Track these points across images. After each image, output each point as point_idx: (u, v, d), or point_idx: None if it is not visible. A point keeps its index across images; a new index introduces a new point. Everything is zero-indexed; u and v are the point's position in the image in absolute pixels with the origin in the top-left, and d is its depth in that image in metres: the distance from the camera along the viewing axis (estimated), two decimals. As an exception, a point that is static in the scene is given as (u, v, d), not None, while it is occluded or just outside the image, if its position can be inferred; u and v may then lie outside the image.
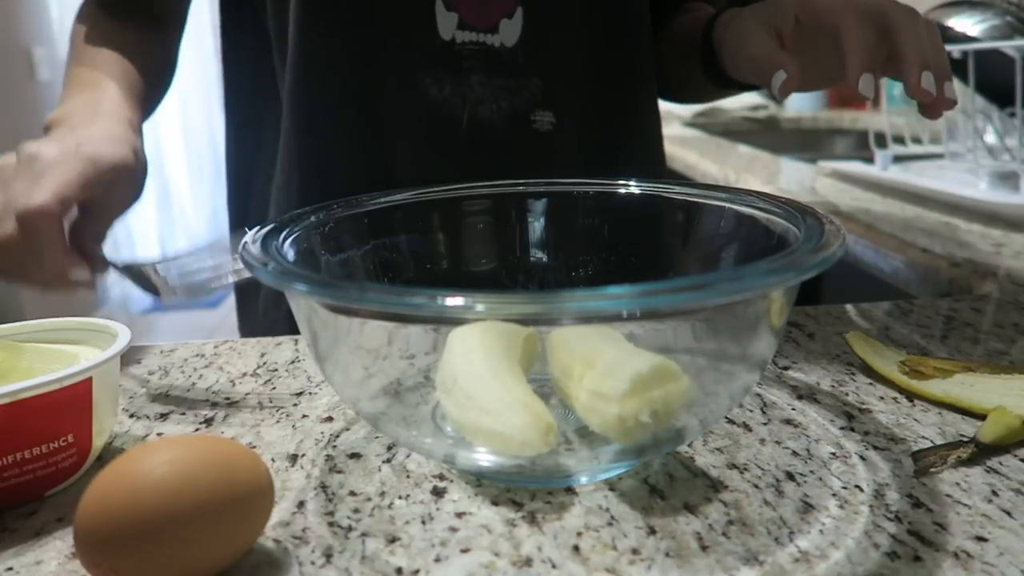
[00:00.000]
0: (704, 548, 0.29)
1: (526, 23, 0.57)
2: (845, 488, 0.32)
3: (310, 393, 0.43)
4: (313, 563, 0.28)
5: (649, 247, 0.45)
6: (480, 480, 0.33)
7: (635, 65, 0.64)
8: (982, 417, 0.37)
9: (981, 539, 0.29)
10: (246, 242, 0.32)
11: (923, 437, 0.36)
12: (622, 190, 0.44)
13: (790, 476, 0.33)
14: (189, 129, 3.62)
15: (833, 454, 0.35)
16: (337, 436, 0.38)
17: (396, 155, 0.57)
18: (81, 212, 0.47)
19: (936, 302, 0.57)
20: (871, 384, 0.43)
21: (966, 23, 0.88)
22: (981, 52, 0.83)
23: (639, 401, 0.29)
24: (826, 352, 0.47)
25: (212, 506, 0.26)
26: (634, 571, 0.27)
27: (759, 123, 1.96)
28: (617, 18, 0.61)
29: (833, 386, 0.42)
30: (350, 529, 0.30)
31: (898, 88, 1.36)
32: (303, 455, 0.36)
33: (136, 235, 3.26)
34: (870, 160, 1.08)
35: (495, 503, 0.32)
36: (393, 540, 0.30)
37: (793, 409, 0.40)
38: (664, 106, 0.71)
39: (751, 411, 0.39)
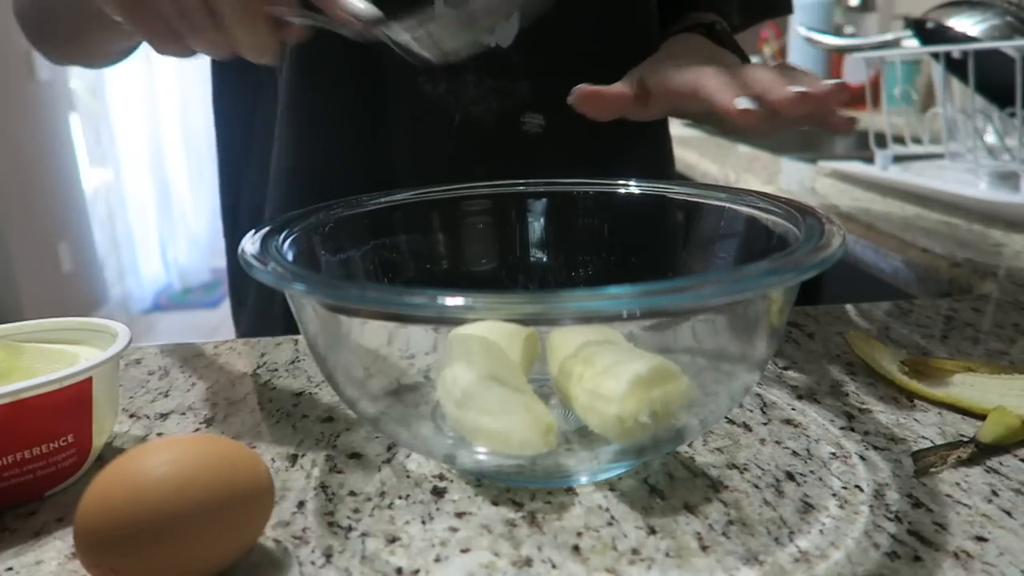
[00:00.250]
0: (704, 548, 0.29)
1: (522, 26, 0.57)
2: (845, 488, 0.32)
3: (310, 393, 0.43)
4: (313, 563, 0.28)
5: (649, 247, 0.45)
6: (480, 480, 0.33)
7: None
8: (982, 417, 0.37)
9: (981, 539, 0.29)
10: (245, 243, 0.32)
11: (923, 437, 0.36)
12: (622, 190, 0.44)
13: (790, 476, 0.33)
14: (189, 129, 3.62)
15: (833, 454, 0.35)
16: (337, 436, 0.38)
17: (392, 153, 0.57)
18: None
19: (936, 302, 0.57)
20: (871, 384, 0.43)
21: (966, 23, 0.88)
22: (981, 52, 0.83)
23: (638, 402, 0.29)
24: (826, 352, 0.47)
25: (212, 506, 0.26)
26: (634, 571, 0.27)
27: (759, 123, 1.95)
28: (623, 23, 0.61)
29: (833, 386, 0.42)
30: (350, 529, 0.30)
31: (898, 88, 1.36)
32: (303, 455, 0.36)
33: (136, 235, 3.26)
34: (870, 160, 1.08)
35: (495, 503, 0.32)
36: (393, 540, 0.30)
37: (793, 409, 0.40)
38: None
39: (751, 411, 0.39)
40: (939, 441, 0.36)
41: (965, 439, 0.35)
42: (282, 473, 0.35)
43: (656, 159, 0.70)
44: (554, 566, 0.28)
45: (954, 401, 0.39)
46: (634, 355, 0.32)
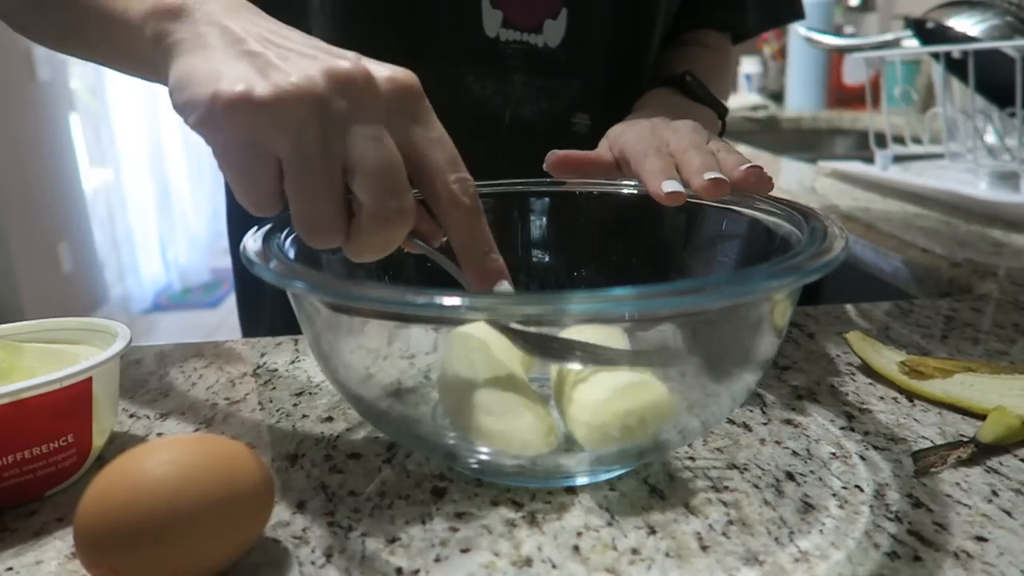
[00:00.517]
0: (704, 548, 0.28)
1: (570, 25, 0.57)
2: (845, 488, 0.32)
3: (310, 393, 0.43)
4: (313, 563, 0.28)
5: (651, 248, 0.45)
6: (480, 480, 0.33)
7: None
8: (982, 417, 0.37)
9: (981, 539, 0.29)
10: (247, 240, 0.32)
11: (923, 437, 0.36)
12: (624, 190, 0.44)
13: (790, 476, 0.33)
14: (189, 129, 3.61)
15: (833, 454, 0.35)
16: (337, 436, 0.38)
17: None
18: None
19: (936, 302, 0.57)
20: (871, 384, 0.43)
21: (966, 23, 0.88)
22: (981, 52, 0.83)
23: (610, 415, 0.30)
24: (826, 352, 0.47)
25: (212, 506, 0.26)
26: (634, 571, 0.27)
27: (759, 123, 1.96)
28: (646, 24, 0.61)
29: (833, 386, 0.42)
30: (350, 529, 0.30)
31: (898, 88, 1.36)
32: (303, 455, 0.36)
33: (136, 235, 3.26)
34: (870, 160, 1.08)
35: (495, 503, 0.32)
36: (393, 540, 0.30)
37: (793, 409, 0.40)
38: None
39: (751, 411, 0.39)
40: (939, 441, 0.36)
41: (965, 439, 0.35)
42: (282, 473, 0.35)
43: None
44: (554, 566, 0.28)
45: (954, 401, 0.39)
46: (618, 367, 0.32)
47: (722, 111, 0.58)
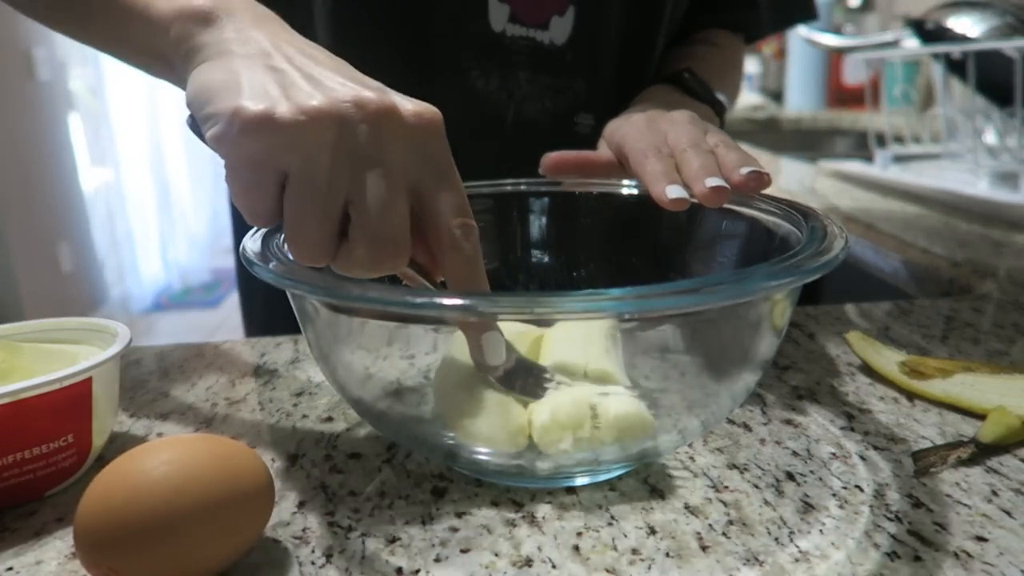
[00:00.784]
0: (704, 548, 0.29)
1: (577, 23, 0.57)
2: (845, 488, 0.32)
3: (310, 393, 0.43)
4: (313, 563, 0.28)
5: (651, 248, 0.45)
6: (480, 480, 0.33)
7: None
8: (982, 417, 0.37)
9: (981, 539, 0.29)
10: (246, 242, 0.32)
11: (923, 437, 0.36)
12: (623, 190, 0.44)
13: (790, 476, 0.33)
14: (189, 129, 3.61)
15: (833, 454, 0.35)
16: (337, 436, 0.38)
17: None
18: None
19: (936, 302, 0.57)
20: (871, 384, 0.43)
21: (966, 23, 0.88)
22: (981, 52, 0.83)
23: (555, 434, 0.31)
24: (826, 352, 0.47)
25: (212, 506, 0.26)
26: (634, 571, 0.27)
27: (759, 123, 1.96)
28: (652, 24, 0.61)
29: (833, 386, 0.42)
30: (350, 529, 0.30)
31: (898, 88, 1.36)
32: (303, 455, 0.36)
33: (136, 235, 3.26)
34: (870, 160, 1.08)
35: (495, 503, 0.32)
36: (393, 540, 0.30)
37: (793, 409, 0.40)
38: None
39: (751, 411, 0.39)
40: (939, 441, 0.36)
41: (965, 439, 0.35)
42: (282, 473, 0.35)
43: None
44: (554, 566, 0.28)
45: (954, 401, 0.39)
46: (579, 381, 0.33)
47: (720, 109, 0.58)
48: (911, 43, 1.03)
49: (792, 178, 1.15)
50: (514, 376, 0.33)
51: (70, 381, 0.32)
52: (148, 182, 3.36)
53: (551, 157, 0.44)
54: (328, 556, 0.29)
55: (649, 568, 0.27)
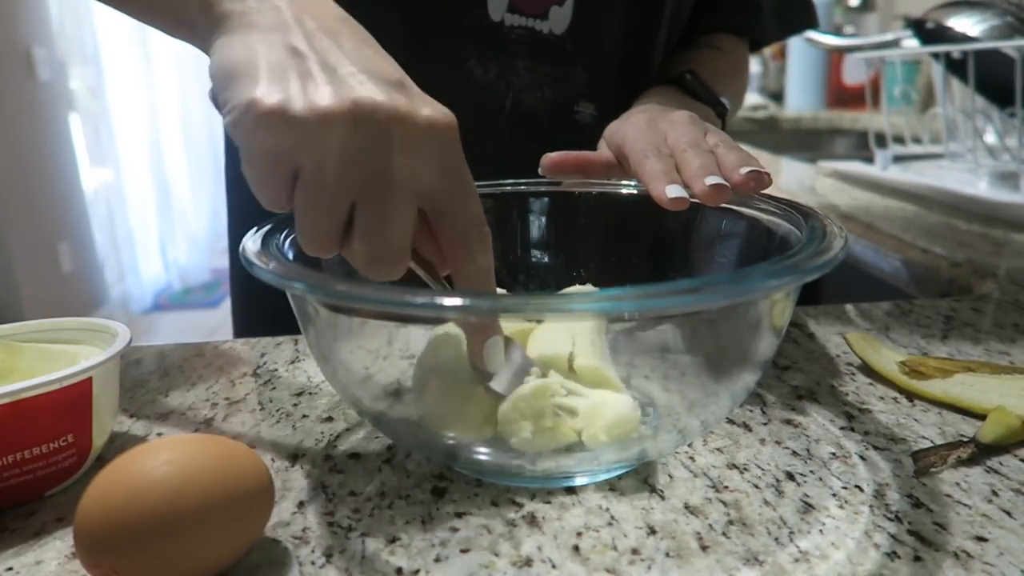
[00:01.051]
0: (704, 548, 0.28)
1: (576, 12, 0.57)
2: (845, 488, 0.32)
3: (310, 393, 0.43)
4: (313, 563, 0.28)
5: (650, 247, 0.45)
6: (480, 480, 0.33)
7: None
8: (982, 417, 0.37)
9: (981, 539, 0.29)
10: (246, 242, 0.32)
11: (923, 437, 0.36)
12: (623, 190, 0.44)
13: (790, 476, 0.33)
14: (189, 129, 3.62)
15: (833, 454, 0.35)
16: (337, 436, 0.38)
17: None
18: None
19: (936, 302, 0.57)
20: (871, 384, 0.43)
21: (966, 23, 0.88)
22: (981, 52, 0.83)
23: (516, 423, 0.31)
24: (826, 352, 0.47)
25: (212, 506, 0.26)
26: (634, 571, 0.27)
27: (759, 123, 1.96)
28: (654, 14, 0.61)
29: (833, 386, 0.42)
30: (350, 529, 0.30)
31: (898, 88, 1.36)
32: (303, 455, 0.36)
33: (136, 235, 3.26)
34: (870, 160, 1.08)
35: (495, 503, 0.32)
36: (393, 540, 0.30)
37: (793, 409, 0.40)
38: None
39: (751, 411, 0.39)
40: (939, 441, 0.36)
41: (965, 439, 0.35)
42: (282, 473, 0.35)
43: None
44: (554, 566, 0.28)
45: (954, 401, 0.39)
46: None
47: (721, 110, 0.58)
48: (911, 43, 1.03)
49: (792, 178, 1.15)
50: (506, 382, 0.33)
51: (70, 381, 0.32)
52: (148, 182, 3.36)
53: (550, 157, 0.44)
54: (328, 556, 0.29)
55: (649, 568, 0.27)
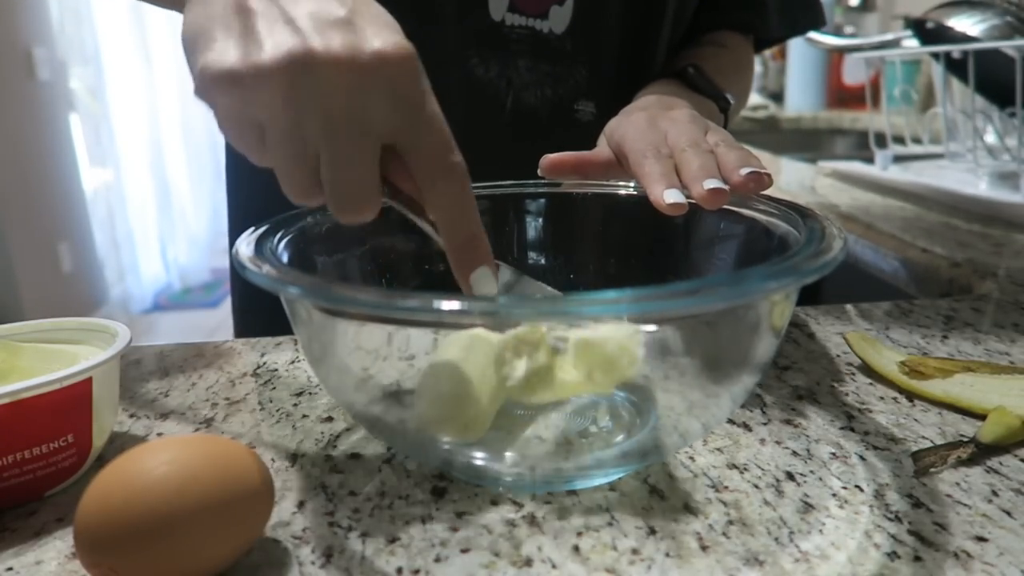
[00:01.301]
0: (704, 548, 0.29)
1: (576, 12, 0.57)
2: (845, 488, 0.32)
3: (310, 393, 0.43)
4: (313, 563, 0.28)
5: (649, 249, 0.45)
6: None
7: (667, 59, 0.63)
8: (982, 417, 0.37)
9: (981, 539, 0.29)
10: (239, 245, 0.32)
11: (923, 437, 0.36)
12: (622, 191, 0.44)
13: (790, 476, 0.33)
14: (189, 129, 3.62)
15: (833, 454, 0.35)
16: (337, 436, 0.38)
17: None
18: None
19: (936, 302, 0.57)
20: (871, 384, 0.43)
21: (966, 23, 0.88)
22: (981, 52, 0.83)
23: (509, 363, 0.32)
24: (826, 352, 0.47)
25: (212, 506, 0.26)
26: (634, 571, 0.27)
27: (759, 123, 1.96)
28: (655, 13, 0.61)
29: (833, 386, 0.42)
30: (350, 529, 0.30)
31: (898, 88, 1.36)
32: (303, 455, 0.36)
33: (136, 235, 3.26)
34: (870, 160, 1.08)
35: (495, 503, 0.32)
36: (393, 540, 0.30)
37: (793, 409, 0.40)
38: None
39: (751, 411, 0.39)
40: (939, 441, 0.36)
41: (965, 439, 0.35)
42: (282, 473, 0.35)
43: None
44: (554, 566, 0.28)
45: (954, 401, 0.39)
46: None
47: (724, 104, 0.58)
48: (911, 43, 1.03)
49: (792, 178, 1.15)
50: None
51: (70, 381, 0.32)
52: (148, 182, 3.36)
53: (549, 158, 0.44)
54: (328, 556, 0.29)
55: (649, 568, 0.27)
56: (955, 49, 0.86)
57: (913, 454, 0.34)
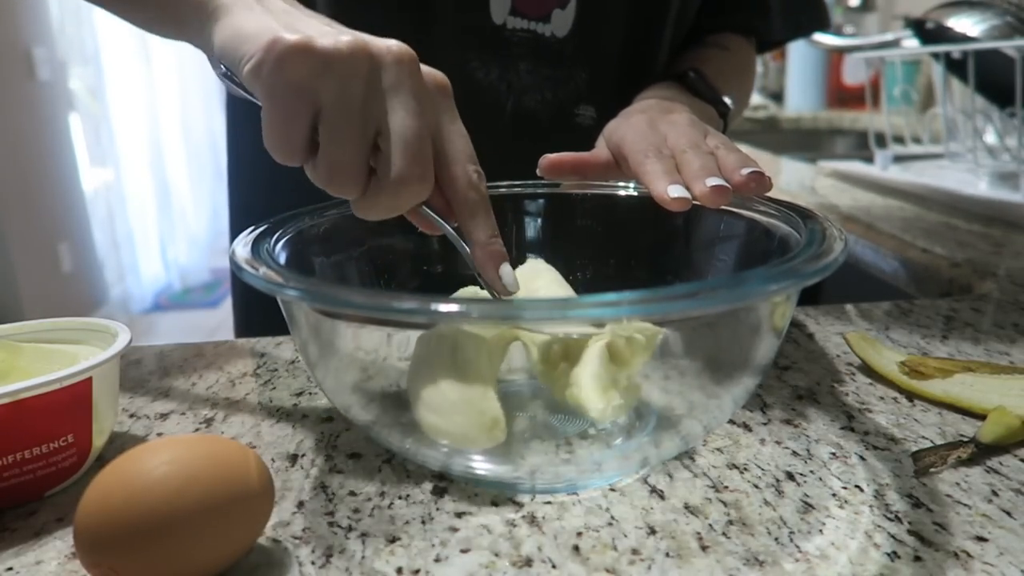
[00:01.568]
0: (704, 548, 0.28)
1: (579, 16, 0.57)
2: (845, 488, 0.32)
3: (310, 393, 0.43)
4: (313, 563, 0.28)
5: (649, 250, 0.45)
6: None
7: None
8: (982, 417, 0.37)
9: (981, 539, 0.29)
10: (236, 246, 0.32)
11: (923, 437, 0.36)
12: (621, 192, 0.44)
13: (790, 476, 0.33)
14: (189, 129, 3.62)
15: (833, 454, 0.35)
16: (337, 436, 0.38)
17: None
18: None
19: (936, 302, 0.57)
20: (871, 384, 0.43)
21: (966, 23, 0.88)
22: (981, 52, 0.83)
23: (603, 395, 0.32)
24: (826, 352, 0.47)
25: (212, 506, 0.26)
26: (634, 571, 0.27)
27: (759, 123, 1.96)
28: (657, 18, 0.61)
29: (833, 386, 0.42)
30: (350, 529, 0.30)
31: (898, 88, 1.36)
32: (303, 455, 0.36)
33: (136, 235, 3.26)
34: (870, 160, 1.08)
35: (495, 503, 0.32)
36: (393, 540, 0.30)
37: (793, 409, 0.40)
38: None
39: (751, 411, 0.39)
40: (939, 441, 0.36)
41: (965, 439, 0.35)
42: (282, 473, 0.35)
43: None
44: (554, 566, 0.28)
45: (954, 401, 0.39)
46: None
47: (723, 109, 0.58)
48: (911, 43, 1.03)
49: (792, 178, 1.15)
50: None
51: (70, 381, 0.32)
52: (148, 182, 3.36)
53: (548, 158, 0.44)
54: (328, 556, 0.29)
55: (649, 568, 0.27)
56: (955, 49, 0.86)
57: (913, 454, 0.34)
